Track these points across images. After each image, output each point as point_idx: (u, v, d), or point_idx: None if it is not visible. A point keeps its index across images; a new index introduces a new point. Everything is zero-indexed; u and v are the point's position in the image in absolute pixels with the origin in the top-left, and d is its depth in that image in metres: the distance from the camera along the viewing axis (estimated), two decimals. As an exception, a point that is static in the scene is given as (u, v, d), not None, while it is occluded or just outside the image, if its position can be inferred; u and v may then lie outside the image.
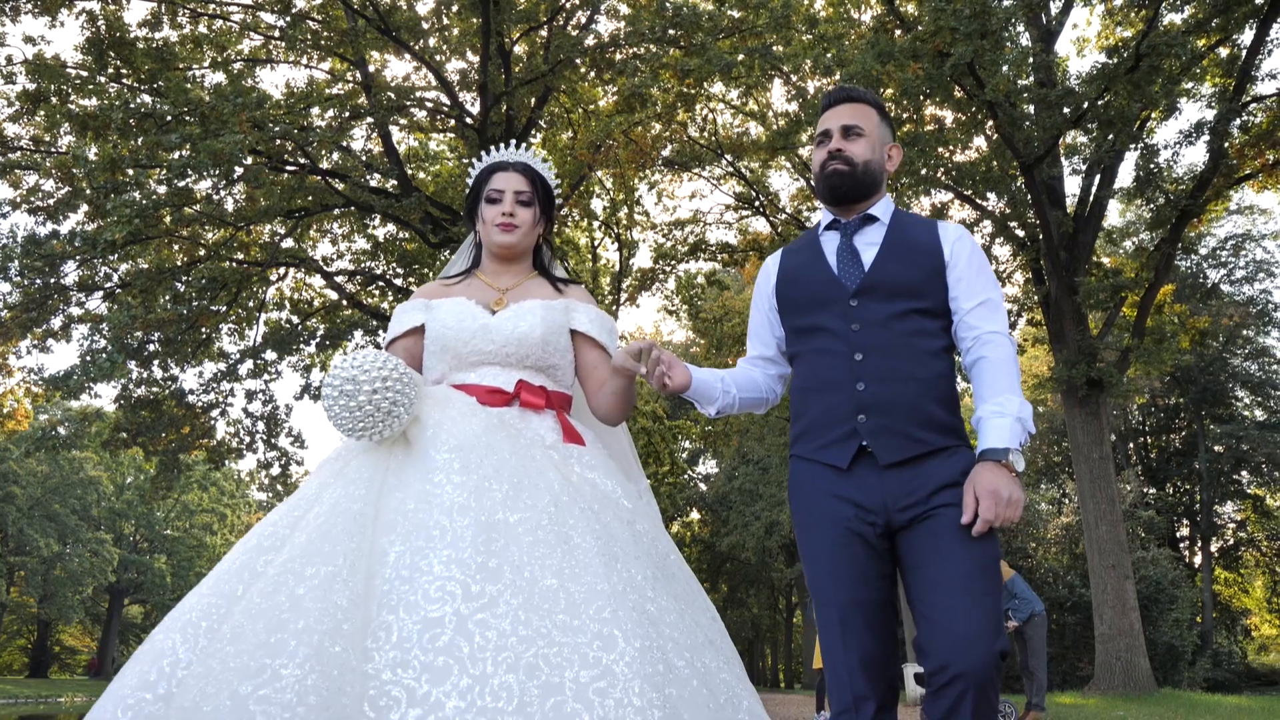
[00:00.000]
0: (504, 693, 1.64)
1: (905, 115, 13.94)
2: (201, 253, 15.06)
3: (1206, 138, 14.15)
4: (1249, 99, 14.23)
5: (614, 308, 22.39)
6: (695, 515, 41.48)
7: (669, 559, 2.19)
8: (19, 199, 13.82)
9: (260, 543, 1.98)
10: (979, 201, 16.66)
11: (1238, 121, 14.17)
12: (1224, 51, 14.61)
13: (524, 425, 2.31)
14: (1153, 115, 14.40)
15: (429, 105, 15.98)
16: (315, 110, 14.59)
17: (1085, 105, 13.24)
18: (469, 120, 15.10)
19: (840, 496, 2.26)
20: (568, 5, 15.04)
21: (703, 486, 40.96)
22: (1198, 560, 30.02)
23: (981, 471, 2.15)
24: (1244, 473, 30.05)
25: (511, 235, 2.58)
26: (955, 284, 2.35)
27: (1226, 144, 14.11)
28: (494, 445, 2.09)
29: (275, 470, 17.32)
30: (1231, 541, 31.91)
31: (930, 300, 2.34)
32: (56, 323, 14.00)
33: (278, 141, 13.63)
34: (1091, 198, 15.42)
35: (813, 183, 2.46)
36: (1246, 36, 14.06)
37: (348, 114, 14.78)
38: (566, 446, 2.32)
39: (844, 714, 2.20)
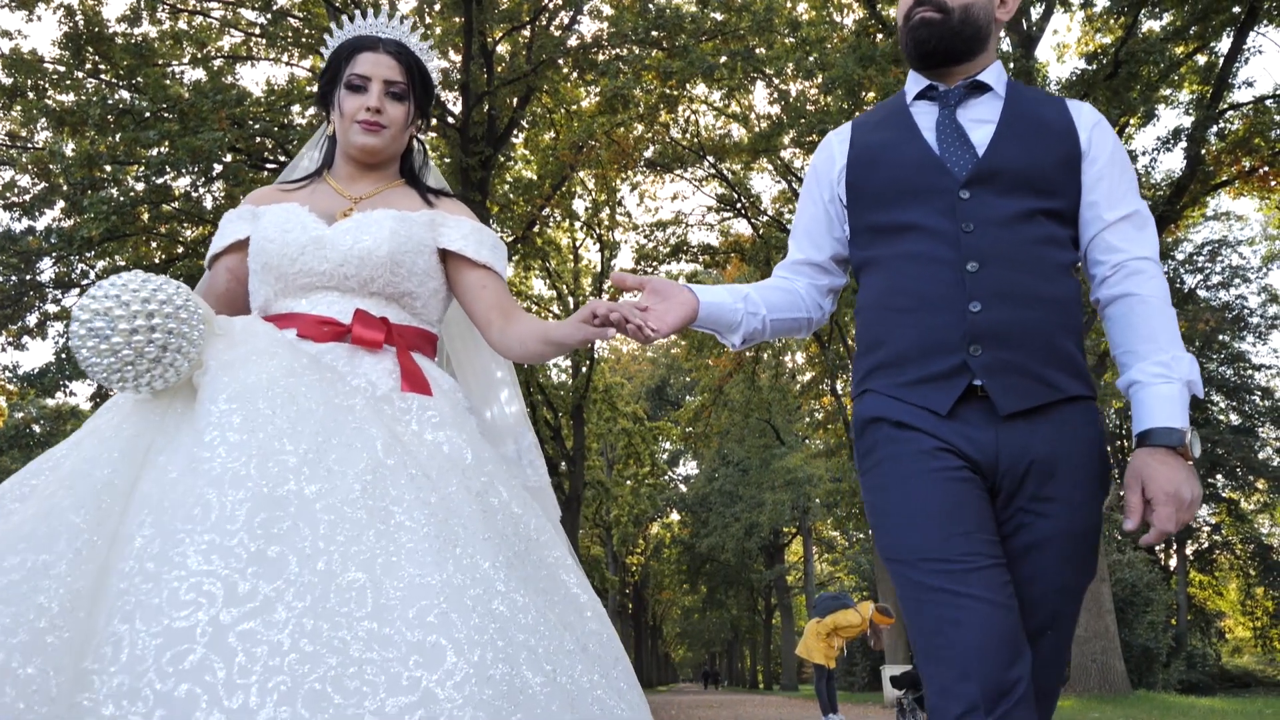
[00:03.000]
0: None
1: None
2: (180, 250, 14.94)
3: (1184, 144, 14.30)
4: (1226, 106, 14.37)
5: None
6: (675, 516, 41.54)
7: (536, 540, 1.70)
8: (-6, 195, 13.68)
9: None
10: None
11: (1215, 128, 14.31)
12: (1202, 59, 14.75)
13: (350, 368, 1.80)
14: (1131, 121, 14.51)
15: (411, 104, 15.92)
16: (295, 108, 14.48)
17: (1065, 111, 13.33)
18: (451, 120, 15.05)
19: (939, 438, 1.69)
20: (550, 5, 15.01)
21: (683, 487, 41.05)
22: (1173, 563, 30.29)
23: (1152, 464, 1.61)
24: (1219, 476, 30.30)
25: (377, 137, 2.01)
26: (1094, 184, 1.77)
27: (1204, 150, 14.24)
28: (295, 393, 1.55)
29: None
30: (1206, 545, 32.22)
31: (1061, 200, 1.76)
32: (32, 320, 13.84)
33: (257, 139, 13.55)
34: (1071, 203, 15.51)
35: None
36: (1224, 44, 14.20)
37: (328, 112, 14.70)
38: (405, 396, 1.78)
39: (969, 714, 1.55)
